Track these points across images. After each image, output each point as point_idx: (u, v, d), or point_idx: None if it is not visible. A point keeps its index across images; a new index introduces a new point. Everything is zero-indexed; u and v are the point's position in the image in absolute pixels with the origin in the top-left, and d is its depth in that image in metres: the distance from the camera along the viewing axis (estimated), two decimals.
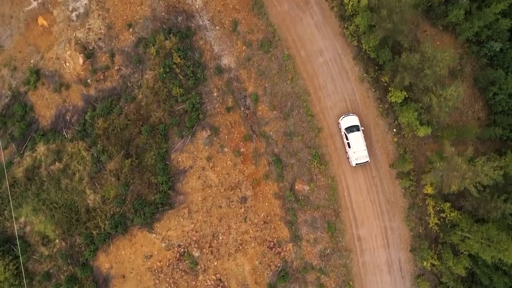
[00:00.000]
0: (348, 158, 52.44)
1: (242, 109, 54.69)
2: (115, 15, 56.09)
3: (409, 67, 46.41)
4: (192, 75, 53.73)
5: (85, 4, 57.40)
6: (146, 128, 52.41)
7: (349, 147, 51.45)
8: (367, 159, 51.18)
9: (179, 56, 53.39)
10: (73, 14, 57.53)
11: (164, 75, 53.37)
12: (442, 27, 52.82)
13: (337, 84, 53.46)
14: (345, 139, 51.92)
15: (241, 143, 54.20)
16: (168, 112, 53.38)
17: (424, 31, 53.48)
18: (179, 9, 55.74)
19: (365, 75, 53.22)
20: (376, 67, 52.77)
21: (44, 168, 53.74)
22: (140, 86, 54.55)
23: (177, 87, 53.13)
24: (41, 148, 54.46)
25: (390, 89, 51.06)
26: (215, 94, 54.63)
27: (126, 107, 54.06)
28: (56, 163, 53.47)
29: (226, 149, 53.97)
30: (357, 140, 50.93)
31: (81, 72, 55.82)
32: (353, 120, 51.87)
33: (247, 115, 54.79)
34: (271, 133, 54.27)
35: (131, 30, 55.53)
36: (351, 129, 51.37)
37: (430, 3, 52.16)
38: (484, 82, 51.56)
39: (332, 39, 53.70)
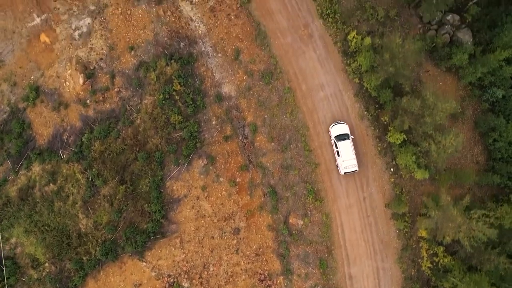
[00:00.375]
0: (337, 166, 52.27)
1: (240, 138, 54.35)
2: (117, 36, 55.79)
3: (409, 111, 46.02)
4: (191, 102, 53.41)
5: (88, 23, 57.12)
6: (142, 154, 52.09)
7: (338, 155, 51.31)
8: (356, 167, 51.04)
9: (179, 83, 53.07)
10: (76, 33, 57.25)
11: (163, 101, 53.07)
12: (446, 68, 52.43)
13: (336, 120, 53.03)
14: (334, 147, 51.77)
15: (237, 173, 53.86)
16: (165, 139, 53.07)
17: (427, 71, 53.09)
18: (181, 35, 55.42)
19: (365, 112, 52.84)
20: (377, 106, 52.40)
21: (38, 188, 53.47)
22: (138, 110, 54.24)
23: (176, 114, 52.80)
24: (36, 168, 54.17)
25: (389, 128, 50.68)
26: (213, 123, 54.30)
27: (123, 131, 53.74)
28: (51, 184, 53.19)
29: (221, 179, 53.64)
30: (346, 149, 50.84)
31: (80, 92, 55.53)
32: (343, 128, 51.73)
33: (245, 144, 54.44)
34: (268, 164, 53.92)
35: (132, 53, 55.22)
36: (340, 137, 51.28)
37: (434, 44, 51.81)
38: (484, 127, 51.14)
39: (334, 74, 53.33)
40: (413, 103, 44.97)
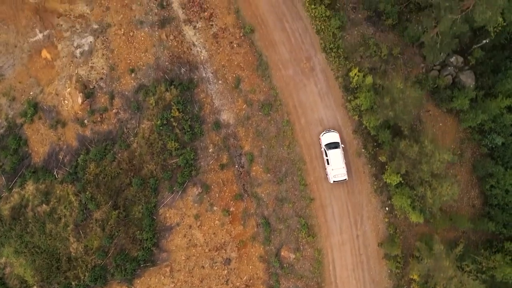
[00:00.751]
0: (326, 175, 51.97)
1: (236, 167, 54.02)
2: (119, 57, 55.47)
3: (407, 155, 45.64)
4: (189, 129, 53.07)
5: (90, 42, 56.81)
6: (136, 180, 51.78)
7: (328, 164, 50.96)
8: (345, 177, 50.73)
9: (178, 109, 52.77)
10: (77, 51, 56.96)
11: (161, 127, 52.74)
12: (446, 109, 52.04)
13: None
14: (324, 156, 51.48)
15: (232, 202, 53.55)
16: (160, 166, 52.73)
17: (427, 110, 52.71)
18: (183, 60, 55.05)
19: (363, 150, 52.47)
20: (375, 144, 52.00)
21: (30, 208, 53.20)
22: (136, 134, 53.91)
23: (173, 141, 52.49)
24: (30, 187, 53.89)
25: (386, 167, 50.29)
26: (210, 150, 53.96)
27: (119, 154, 53.42)
28: (43, 205, 52.92)
29: (215, 208, 53.33)
30: (336, 157, 50.54)
31: (78, 112, 55.25)
32: (334, 136, 51.45)
33: (241, 173, 54.12)
34: (263, 195, 53.58)
35: (133, 75, 54.91)
36: (331, 145, 50.97)
37: (436, 85, 51.42)
38: (482, 172, 50.75)
39: (333, 109, 52.95)
40: (410, 148, 44.60)
